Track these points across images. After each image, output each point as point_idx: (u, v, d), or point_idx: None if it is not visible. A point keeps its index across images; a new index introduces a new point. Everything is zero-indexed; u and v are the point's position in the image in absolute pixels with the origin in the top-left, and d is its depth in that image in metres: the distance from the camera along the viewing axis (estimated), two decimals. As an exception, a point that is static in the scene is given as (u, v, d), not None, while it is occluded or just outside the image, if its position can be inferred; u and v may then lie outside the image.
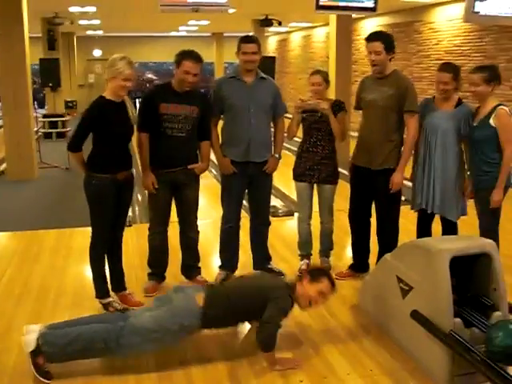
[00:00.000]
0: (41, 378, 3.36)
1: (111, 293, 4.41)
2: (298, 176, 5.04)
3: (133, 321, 3.50)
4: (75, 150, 4.11)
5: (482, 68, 4.49)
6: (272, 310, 3.55)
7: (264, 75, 4.80)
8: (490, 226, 4.51)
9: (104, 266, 4.35)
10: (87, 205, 4.20)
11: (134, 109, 4.14)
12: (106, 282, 4.37)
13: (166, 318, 3.48)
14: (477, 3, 6.55)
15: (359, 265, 5.05)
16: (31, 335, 3.42)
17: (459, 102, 4.60)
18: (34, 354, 3.37)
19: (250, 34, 14.98)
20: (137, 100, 20.95)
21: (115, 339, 3.41)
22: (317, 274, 3.80)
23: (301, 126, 5.02)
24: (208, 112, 4.61)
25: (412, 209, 4.88)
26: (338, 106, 4.91)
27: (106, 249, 4.31)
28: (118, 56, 4.05)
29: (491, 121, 4.36)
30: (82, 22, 15.93)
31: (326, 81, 4.92)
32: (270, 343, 3.53)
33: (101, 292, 4.35)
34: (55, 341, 3.40)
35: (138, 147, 4.52)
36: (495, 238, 4.26)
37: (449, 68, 4.51)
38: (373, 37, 4.58)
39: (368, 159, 4.70)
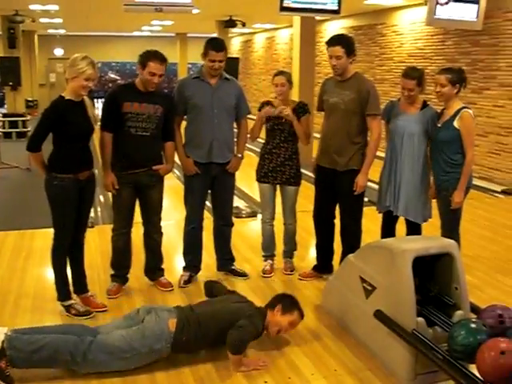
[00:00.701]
0: (1, 382, 3.29)
1: (73, 295, 4.34)
2: (260, 177, 5.04)
3: (102, 338, 3.47)
4: (34, 150, 4.03)
5: (449, 70, 4.54)
6: (246, 321, 3.59)
7: (228, 76, 4.79)
8: (451, 227, 4.58)
9: (66, 268, 4.27)
10: (48, 206, 4.12)
11: (94, 108, 4.07)
12: (68, 284, 4.29)
13: (136, 339, 3.45)
14: (438, 7, 6.66)
15: (323, 266, 5.06)
16: None
17: (424, 105, 4.65)
18: None
19: (215, 35, 15.01)
20: (99, 100, 20.76)
21: (82, 354, 3.37)
22: (289, 305, 3.84)
23: (264, 127, 5.02)
24: (172, 112, 4.59)
25: (378, 210, 4.91)
26: (302, 109, 4.93)
27: (67, 250, 4.23)
28: (79, 55, 3.98)
29: (455, 123, 4.43)
30: (43, 20, 15.70)
31: (289, 81, 4.93)
32: (240, 347, 3.54)
33: (62, 294, 4.27)
34: (21, 347, 3.33)
35: (100, 147, 4.45)
36: (456, 238, 4.32)
37: (413, 74, 4.52)
38: (333, 41, 4.56)
39: (332, 161, 4.71)
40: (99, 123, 4.39)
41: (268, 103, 5.00)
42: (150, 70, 4.30)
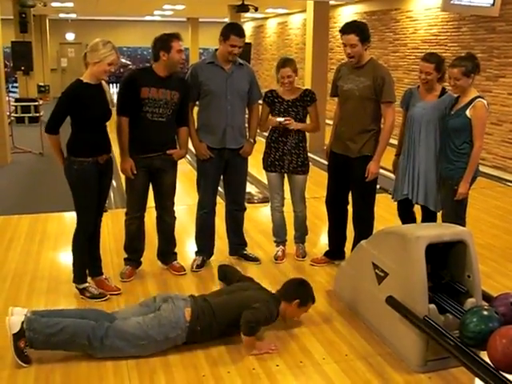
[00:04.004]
0: (19, 362, 3.37)
1: (87, 278, 4.38)
2: (267, 166, 5.03)
3: (119, 323, 3.52)
4: (52, 132, 4.04)
5: (462, 60, 4.41)
6: (261, 304, 3.64)
7: (242, 61, 4.79)
8: (457, 215, 4.49)
9: (86, 252, 4.30)
10: (62, 190, 4.14)
11: (110, 92, 4.11)
12: (85, 268, 4.34)
13: (152, 327, 3.50)
14: (454, -8, 6.60)
15: (335, 252, 5.07)
16: (17, 317, 3.42)
17: (443, 92, 4.61)
18: (17, 336, 3.37)
19: (227, 20, 14.92)
20: (111, 84, 20.80)
21: (99, 339, 3.42)
22: (306, 300, 3.91)
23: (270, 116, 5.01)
24: (187, 97, 4.59)
25: (393, 198, 4.90)
26: (308, 97, 4.90)
27: (90, 234, 4.26)
28: (100, 40, 3.98)
29: (467, 112, 4.36)
30: (54, 4, 15.67)
31: (295, 71, 4.84)
32: (253, 328, 3.58)
33: (79, 277, 4.32)
34: (40, 328, 3.39)
35: (117, 131, 4.44)
36: (463, 226, 4.27)
37: (432, 58, 4.51)
38: (347, 29, 4.50)
39: (345, 147, 4.70)
40: (114, 108, 4.40)
41: (272, 92, 4.96)
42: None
